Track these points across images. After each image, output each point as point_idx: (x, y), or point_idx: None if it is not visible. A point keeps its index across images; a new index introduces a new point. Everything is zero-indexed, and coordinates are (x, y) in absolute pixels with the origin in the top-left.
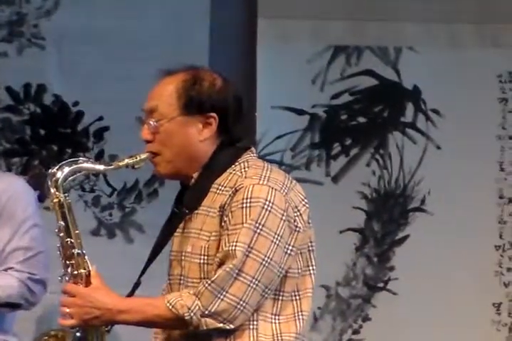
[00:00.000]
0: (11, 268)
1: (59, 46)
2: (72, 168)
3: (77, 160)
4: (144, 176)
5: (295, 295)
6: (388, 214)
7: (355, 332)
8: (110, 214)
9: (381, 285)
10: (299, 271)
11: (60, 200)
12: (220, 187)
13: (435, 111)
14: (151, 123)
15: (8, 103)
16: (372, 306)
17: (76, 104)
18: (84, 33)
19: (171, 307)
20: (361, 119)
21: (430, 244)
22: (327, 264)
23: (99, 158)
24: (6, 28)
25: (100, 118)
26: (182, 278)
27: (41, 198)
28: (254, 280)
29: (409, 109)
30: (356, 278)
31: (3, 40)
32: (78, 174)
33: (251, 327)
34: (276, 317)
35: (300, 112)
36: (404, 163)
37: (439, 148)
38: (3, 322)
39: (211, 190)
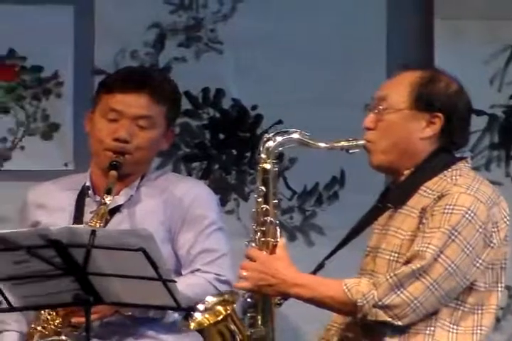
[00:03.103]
0: (197, 269)
1: (236, 50)
2: (285, 137)
3: (295, 131)
4: (323, 179)
5: (477, 309)
6: None
7: None
8: (291, 218)
9: None
10: (486, 285)
11: (265, 166)
12: (427, 190)
13: None
14: (379, 108)
15: (187, 107)
16: None
17: (255, 107)
18: (261, 36)
19: (347, 290)
20: None
21: None
22: (508, 264)
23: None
24: (183, 33)
25: (279, 122)
26: (372, 273)
27: (222, 202)
28: (434, 284)
29: None
30: None
31: (181, 45)
32: (292, 145)
33: (427, 332)
34: (454, 327)
35: (479, 113)
36: None
37: None
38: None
39: (418, 191)
